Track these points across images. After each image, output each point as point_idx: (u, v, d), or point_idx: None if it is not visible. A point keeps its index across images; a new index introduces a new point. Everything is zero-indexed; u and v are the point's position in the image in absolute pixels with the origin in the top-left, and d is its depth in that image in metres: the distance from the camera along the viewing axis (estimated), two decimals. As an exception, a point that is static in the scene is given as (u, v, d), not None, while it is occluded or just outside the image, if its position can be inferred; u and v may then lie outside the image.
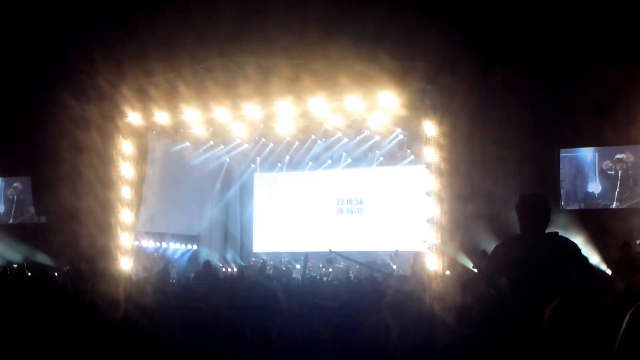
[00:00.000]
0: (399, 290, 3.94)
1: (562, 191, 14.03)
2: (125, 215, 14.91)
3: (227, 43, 13.04)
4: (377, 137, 16.77)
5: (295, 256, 17.68)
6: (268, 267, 15.22)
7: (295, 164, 19.44)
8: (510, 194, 10.95)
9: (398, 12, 12.26)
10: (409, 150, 17.77)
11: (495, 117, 12.51)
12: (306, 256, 10.87)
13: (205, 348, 3.50)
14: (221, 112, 14.33)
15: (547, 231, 4.30)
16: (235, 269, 17.83)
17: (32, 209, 17.94)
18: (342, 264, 16.20)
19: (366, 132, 16.37)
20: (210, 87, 13.44)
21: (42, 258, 15.53)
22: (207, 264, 13.17)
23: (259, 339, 3.24)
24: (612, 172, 13.84)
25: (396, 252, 15.12)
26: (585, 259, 4.33)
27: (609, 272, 12.02)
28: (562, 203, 13.98)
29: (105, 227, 14.45)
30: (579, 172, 14.17)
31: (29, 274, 13.41)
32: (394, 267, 14.84)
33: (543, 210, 4.27)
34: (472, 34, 12.22)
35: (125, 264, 14.56)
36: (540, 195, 4.44)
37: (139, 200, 15.21)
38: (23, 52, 14.59)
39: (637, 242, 11.82)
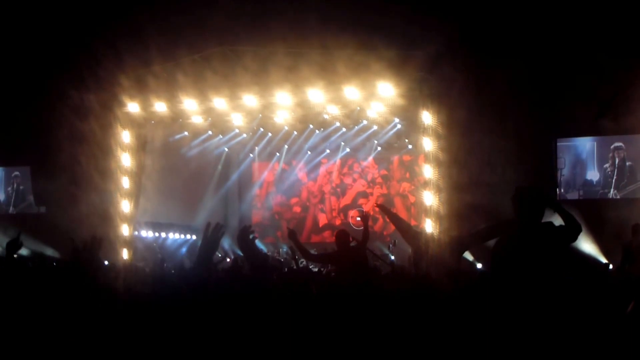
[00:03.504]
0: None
1: (561, 179, 14.08)
2: (124, 206, 14.96)
3: (225, 32, 13.03)
4: (375, 127, 16.79)
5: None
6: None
7: (293, 154, 19.49)
8: (508, 183, 11.00)
9: (396, 2, 12.24)
10: (406, 140, 17.81)
11: (493, 106, 12.51)
12: (292, 248, 10.85)
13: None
14: (219, 101, 14.34)
15: (543, 221, 4.39)
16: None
17: (31, 199, 17.97)
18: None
19: (364, 122, 16.39)
20: (209, 77, 13.44)
21: (42, 248, 15.57)
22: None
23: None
24: (610, 161, 13.91)
25: (394, 243, 15.18)
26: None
27: (604, 260, 12.11)
28: (562, 190, 14.03)
29: (105, 217, 14.49)
30: (578, 160, 14.24)
31: (30, 264, 13.43)
32: (392, 257, 14.89)
33: (537, 202, 4.36)
34: (471, 23, 12.20)
35: (125, 254, 14.63)
36: (535, 187, 4.53)
37: (137, 191, 15.25)
38: (22, 42, 14.56)
39: None
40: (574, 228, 4.28)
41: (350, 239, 8.23)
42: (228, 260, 17.81)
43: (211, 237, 3.68)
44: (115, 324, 4.03)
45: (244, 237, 3.88)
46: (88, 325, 3.98)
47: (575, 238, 4.31)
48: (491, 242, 5.45)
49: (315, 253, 8.81)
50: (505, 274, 4.29)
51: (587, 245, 12.46)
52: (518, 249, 4.28)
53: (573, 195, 14.12)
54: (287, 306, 4.09)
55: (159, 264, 11.21)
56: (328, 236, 19.05)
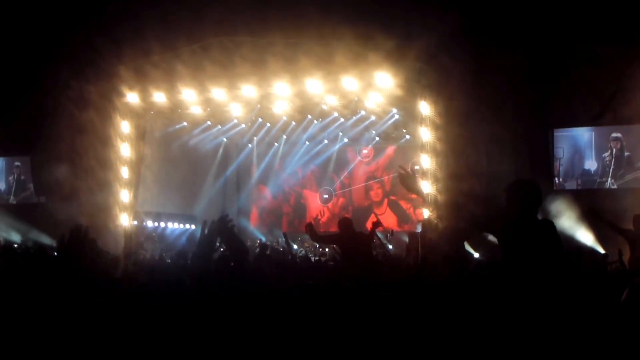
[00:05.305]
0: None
1: (560, 169, 14.13)
2: (123, 195, 15.02)
3: (224, 23, 13.02)
4: (372, 117, 16.84)
5: (292, 236, 17.78)
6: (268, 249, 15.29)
7: (292, 144, 19.55)
8: (505, 173, 11.05)
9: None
10: (404, 130, 17.86)
11: (491, 97, 12.53)
12: (285, 235, 11.04)
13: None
14: (218, 92, 14.39)
15: (538, 214, 4.37)
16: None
17: (32, 188, 18.01)
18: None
19: (362, 112, 16.44)
20: (208, 67, 13.47)
21: (42, 237, 15.63)
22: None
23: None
24: (608, 150, 13.96)
25: (392, 233, 15.31)
26: (558, 244, 4.39)
27: (602, 251, 12.16)
28: (561, 180, 14.08)
29: (104, 207, 14.56)
30: (577, 150, 14.28)
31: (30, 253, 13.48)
32: (390, 247, 15.00)
33: (529, 197, 4.34)
34: (468, 14, 12.21)
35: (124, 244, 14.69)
36: (527, 181, 4.49)
37: (137, 180, 15.31)
38: (22, 33, 14.57)
39: None
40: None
41: (354, 229, 8.52)
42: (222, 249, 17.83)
43: (208, 235, 3.76)
44: (113, 313, 4.09)
45: (223, 226, 3.93)
46: (86, 315, 4.03)
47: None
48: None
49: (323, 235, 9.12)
50: (504, 271, 4.30)
51: (584, 235, 12.51)
52: (516, 245, 4.27)
53: (571, 185, 14.16)
54: (291, 299, 4.15)
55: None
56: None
